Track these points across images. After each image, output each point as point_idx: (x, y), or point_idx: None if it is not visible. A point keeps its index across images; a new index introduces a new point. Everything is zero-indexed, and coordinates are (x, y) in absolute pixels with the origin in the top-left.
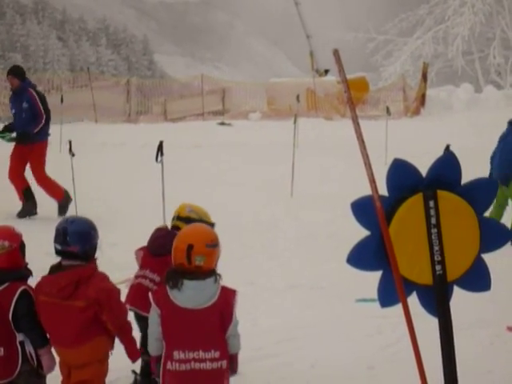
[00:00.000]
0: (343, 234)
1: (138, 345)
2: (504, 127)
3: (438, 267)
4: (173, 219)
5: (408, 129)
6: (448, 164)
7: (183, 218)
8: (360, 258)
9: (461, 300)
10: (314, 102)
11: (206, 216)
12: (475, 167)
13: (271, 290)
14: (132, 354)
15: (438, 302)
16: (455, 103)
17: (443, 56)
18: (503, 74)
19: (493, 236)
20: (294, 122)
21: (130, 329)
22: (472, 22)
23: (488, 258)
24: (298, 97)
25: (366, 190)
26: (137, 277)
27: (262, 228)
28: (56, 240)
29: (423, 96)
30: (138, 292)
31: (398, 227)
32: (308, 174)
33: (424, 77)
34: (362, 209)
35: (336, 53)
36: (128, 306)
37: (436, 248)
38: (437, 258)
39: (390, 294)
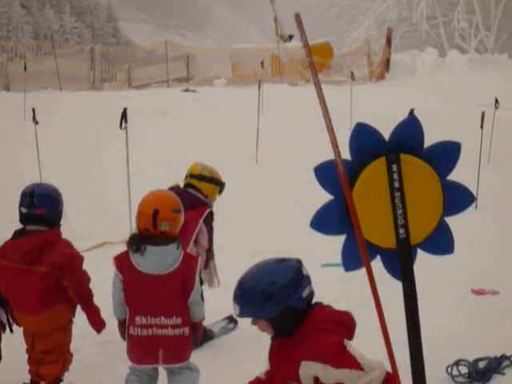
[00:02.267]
0: (308, 199)
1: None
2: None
3: (401, 231)
4: (186, 177)
5: (373, 94)
6: (411, 128)
7: (196, 176)
8: (323, 222)
9: (426, 264)
10: (278, 68)
11: (218, 175)
12: (439, 131)
13: (237, 256)
14: (96, 325)
15: (401, 265)
16: (419, 68)
17: (407, 21)
18: (467, 39)
19: (456, 199)
20: (259, 88)
21: (91, 296)
22: None
23: (451, 221)
24: (262, 63)
25: (331, 155)
26: None
27: (228, 194)
28: (22, 203)
29: (387, 61)
30: None
31: (361, 191)
32: (273, 140)
33: (388, 42)
34: (325, 173)
35: (297, 17)
36: None
37: (399, 212)
38: (400, 221)
39: (353, 258)
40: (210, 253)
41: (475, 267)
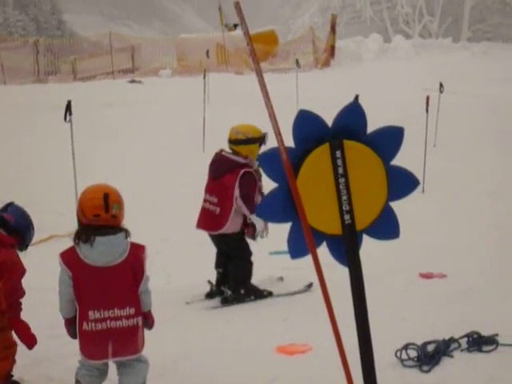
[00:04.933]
0: None
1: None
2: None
3: (346, 217)
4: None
5: (318, 80)
6: (353, 113)
7: (233, 141)
8: (269, 210)
9: (373, 248)
10: (224, 57)
11: (254, 132)
12: (385, 116)
13: (185, 246)
14: (27, 340)
15: (347, 251)
16: (364, 54)
17: (351, 7)
18: (411, 24)
19: (400, 184)
20: (204, 78)
21: (19, 310)
22: None
23: (398, 205)
24: (207, 52)
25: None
26: (203, 200)
27: (175, 184)
28: None
29: (332, 47)
30: (203, 215)
31: (306, 178)
32: (219, 129)
33: (333, 28)
34: (269, 161)
35: (237, 5)
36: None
37: (344, 198)
38: (345, 207)
39: (299, 245)
40: (250, 202)
41: (423, 251)
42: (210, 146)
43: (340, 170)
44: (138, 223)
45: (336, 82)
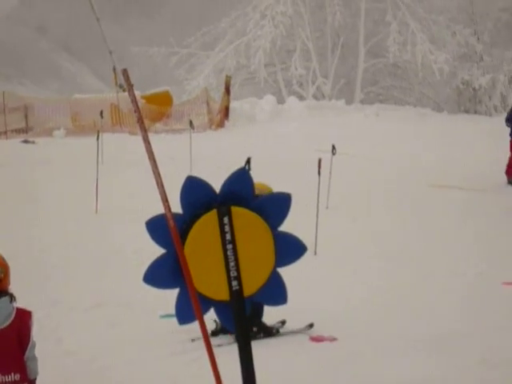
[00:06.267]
0: (148, 249)
1: None
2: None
3: (234, 283)
4: None
5: (213, 141)
6: (241, 180)
7: None
8: (156, 276)
9: (267, 311)
10: (118, 118)
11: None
12: (279, 178)
13: (77, 309)
14: None
15: (235, 317)
16: (258, 115)
17: (246, 68)
18: (305, 85)
19: (288, 250)
20: (97, 139)
21: None
22: (273, 34)
23: (290, 267)
24: (101, 112)
25: (171, 205)
26: None
27: (67, 245)
28: None
29: (227, 108)
30: None
31: (194, 244)
32: (113, 190)
33: (227, 89)
34: (157, 227)
35: (125, 72)
36: None
37: (232, 264)
38: (233, 273)
39: (187, 311)
40: None
41: (314, 314)
42: (103, 206)
43: (228, 237)
44: (26, 286)
45: (230, 143)
